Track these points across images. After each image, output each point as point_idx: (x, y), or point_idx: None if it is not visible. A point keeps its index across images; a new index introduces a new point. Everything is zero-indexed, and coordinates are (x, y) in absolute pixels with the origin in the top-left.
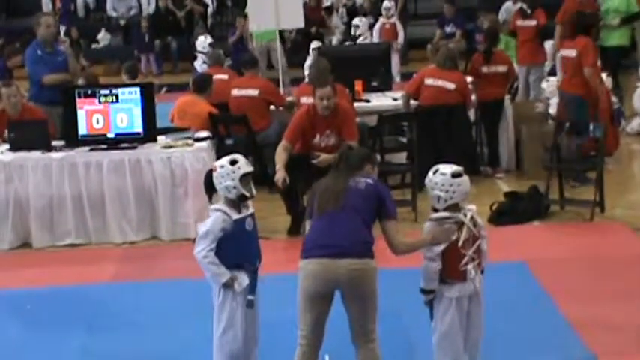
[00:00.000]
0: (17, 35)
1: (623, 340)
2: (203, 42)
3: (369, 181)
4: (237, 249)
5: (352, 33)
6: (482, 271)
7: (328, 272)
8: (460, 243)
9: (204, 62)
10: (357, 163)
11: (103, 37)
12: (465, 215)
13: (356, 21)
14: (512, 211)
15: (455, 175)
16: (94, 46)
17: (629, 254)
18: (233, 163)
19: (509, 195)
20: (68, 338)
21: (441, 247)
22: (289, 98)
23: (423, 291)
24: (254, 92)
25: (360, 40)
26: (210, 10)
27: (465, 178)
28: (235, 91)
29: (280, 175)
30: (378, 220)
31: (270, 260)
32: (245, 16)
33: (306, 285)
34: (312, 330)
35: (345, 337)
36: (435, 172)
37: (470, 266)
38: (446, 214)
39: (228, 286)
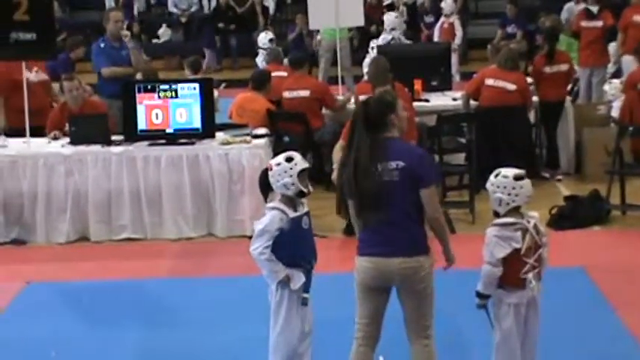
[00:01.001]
0: (80, 28)
1: None
2: (264, 38)
3: (401, 163)
4: (293, 247)
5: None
6: (540, 279)
7: (381, 270)
8: (523, 251)
9: (264, 60)
10: (379, 118)
11: (164, 33)
12: (529, 222)
13: (372, 43)
14: (573, 216)
15: (517, 178)
16: (154, 41)
17: None
18: (289, 160)
19: (569, 199)
20: (123, 333)
21: (503, 253)
22: (340, 97)
23: (479, 295)
24: (305, 93)
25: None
26: (271, 6)
27: (527, 181)
28: (287, 93)
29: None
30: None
31: (326, 259)
32: (305, 13)
33: (361, 278)
34: (368, 323)
35: (402, 339)
36: (496, 175)
37: (530, 275)
38: (510, 219)
39: (284, 283)
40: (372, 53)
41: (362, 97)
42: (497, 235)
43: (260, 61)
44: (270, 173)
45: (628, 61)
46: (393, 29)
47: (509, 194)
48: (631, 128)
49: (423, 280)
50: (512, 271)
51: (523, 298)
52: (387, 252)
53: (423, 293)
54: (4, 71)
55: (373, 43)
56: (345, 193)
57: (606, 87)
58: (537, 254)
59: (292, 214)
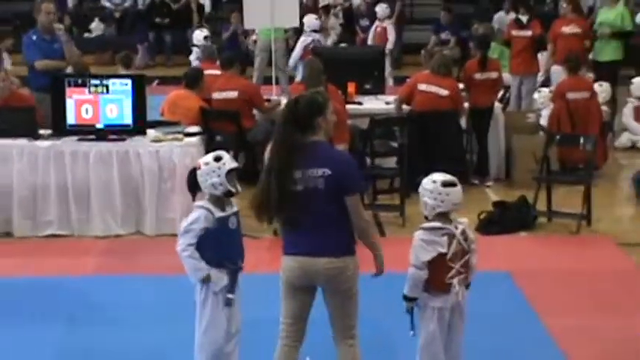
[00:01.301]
0: (9, 20)
1: (606, 354)
2: (199, 35)
3: (327, 171)
4: (218, 247)
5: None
6: (467, 286)
7: (306, 270)
8: (449, 256)
9: (198, 57)
10: (307, 120)
11: (96, 27)
12: (457, 227)
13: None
14: (500, 221)
15: (445, 184)
16: (86, 35)
17: (613, 268)
18: (218, 159)
19: (497, 204)
20: (47, 331)
21: (428, 256)
22: (274, 98)
23: (406, 298)
24: (234, 94)
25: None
26: (206, 3)
27: (456, 189)
28: (216, 94)
29: None
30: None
31: (255, 259)
32: (241, 12)
33: (287, 277)
34: (292, 323)
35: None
36: (427, 179)
37: (455, 280)
38: (438, 224)
39: (205, 282)
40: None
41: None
42: (423, 239)
43: (194, 58)
44: (198, 172)
45: (557, 71)
46: (313, 31)
47: (435, 199)
48: (558, 137)
49: (348, 280)
50: (438, 276)
51: (447, 302)
52: (313, 252)
53: (347, 293)
54: None
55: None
56: (260, 195)
57: (536, 95)
58: (464, 260)
59: (219, 214)
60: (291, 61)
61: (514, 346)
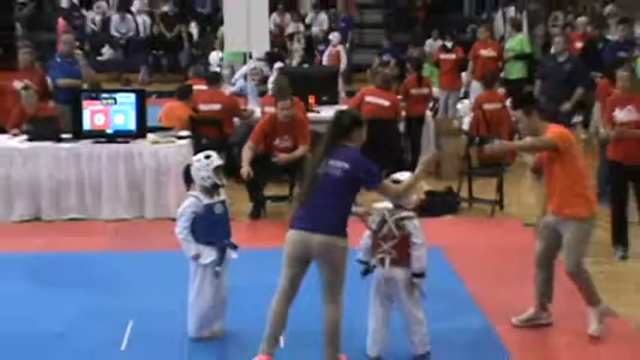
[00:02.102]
0: (38, 46)
1: (514, 313)
2: (215, 57)
3: (346, 166)
4: (207, 228)
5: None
6: (420, 275)
7: (304, 242)
8: (379, 235)
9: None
10: (347, 130)
11: (107, 52)
12: (392, 216)
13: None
14: (431, 207)
15: (394, 182)
16: (98, 58)
17: (520, 243)
18: (207, 157)
19: (428, 193)
20: (68, 295)
21: (369, 230)
22: (249, 108)
23: (360, 261)
24: (217, 107)
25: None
26: (194, 32)
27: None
28: (202, 106)
29: (245, 170)
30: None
31: (235, 239)
32: (217, 38)
33: (288, 249)
34: (289, 285)
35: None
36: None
37: (386, 258)
38: (379, 207)
39: (195, 259)
40: (274, 73)
41: (267, 108)
42: (373, 216)
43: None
44: (191, 168)
45: (476, 86)
46: (257, 59)
47: None
48: (477, 139)
49: (337, 256)
50: (373, 249)
51: (379, 274)
52: (311, 227)
53: (335, 267)
54: None
55: (276, 65)
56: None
57: (459, 106)
58: (393, 243)
59: (206, 201)
60: (236, 76)
61: (443, 307)
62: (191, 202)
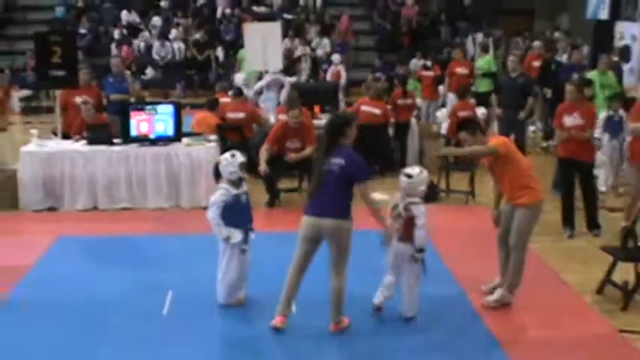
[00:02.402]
0: (95, 68)
1: (484, 282)
2: (239, 77)
3: (342, 162)
4: (234, 214)
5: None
6: (420, 250)
7: (316, 225)
8: (393, 215)
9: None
10: (340, 129)
11: (150, 72)
12: (403, 201)
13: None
14: None
15: (406, 175)
16: (143, 77)
17: (489, 227)
18: (233, 155)
19: None
20: (121, 271)
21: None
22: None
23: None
24: (242, 115)
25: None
26: (220, 55)
27: (412, 179)
28: (230, 114)
29: (263, 167)
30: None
31: (255, 224)
32: (237, 60)
33: (302, 230)
34: (303, 258)
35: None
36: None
37: (396, 234)
38: (395, 196)
39: (225, 240)
40: (287, 88)
41: (280, 116)
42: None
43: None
44: (220, 165)
45: (451, 98)
46: (274, 72)
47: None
48: (453, 141)
49: (343, 236)
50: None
51: (393, 248)
52: (321, 214)
53: (342, 245)
54: (64, 95)
55: (288, 80)
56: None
57: (438, 114)
58: (400, 222)
59: (234, 192)
60: (257, 86)
61: (426, 278)
62: (222, 192)
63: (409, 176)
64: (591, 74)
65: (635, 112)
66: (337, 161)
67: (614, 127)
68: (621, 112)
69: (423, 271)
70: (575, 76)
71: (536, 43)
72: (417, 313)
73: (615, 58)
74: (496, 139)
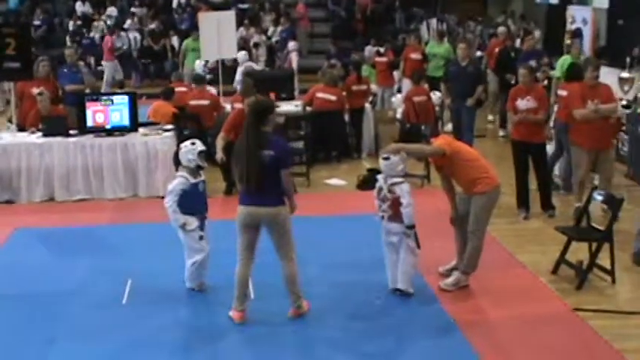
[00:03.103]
0: (50, 60)
1: (441, 264)
2: (198, 65)
3: (272, 153)
4: (191, 202)
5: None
6: (410, 226)
7: (253, 215)
8: (379, 197)
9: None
10: (263, 115)
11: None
12: (386, 182)
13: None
14: (371, 181)
15: (383, 158)
16: (99, 67)
17: (445, 209)
18: (193, 143)
19: (370, 170)
20: (80, 259)
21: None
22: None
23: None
24: (205, 102)
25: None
26: (176, 44)
27: (390, 161)
28: (193, 102)
29: (219, 155)
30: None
31: (212, 211)
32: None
33: (240, 219)
34: (245, 250)
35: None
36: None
37: (385, 215)
38: (379, 177)
39: (182, 227)
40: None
41: (236, 104)
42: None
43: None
44: (180, 152)
45: (406, 83)
46: (244, 61)
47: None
48: (408, 125)
49: (281, 221)
50: (378, 208)
51: (383, 228)
52: (258, 203)
53: (282, 230)
54: (20, 86)
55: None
56: (235, 164)
57: (393, 99)
58: (387, 204)
59: (192, 180)
60: (235, 82)
61: (381, 265)
62: (180, 181)
63: (386, 158)
64: (564, 59)
65: (575, 96)
66: (267, 152)
67: None
68: None
69: (417, 246)
70: (533, 62)
71: (501, 29)
72: (413, 291)
73: (568, 42)
74: (439, 140)
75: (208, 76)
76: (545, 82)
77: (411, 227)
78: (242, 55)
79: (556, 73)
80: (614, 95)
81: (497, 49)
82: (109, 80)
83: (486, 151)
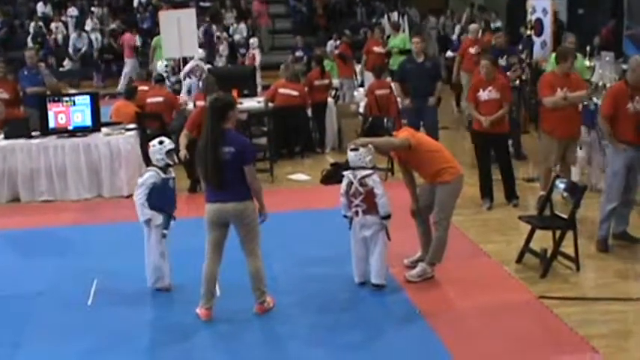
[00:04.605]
0: (10, 62)
1: (406, 255)
2: (161, 65)
3: (232, 149)
4: (160, 198)
5: None
6: (385, 216)
7: (220, 211)
8: (350, 193)
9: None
10: (223, 112)
11: (67, 63)
12: (355, 177)
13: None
14: (335, 174)
15: (352, 149)
16: (60, 69)
17: (405, 201)
18: (161, 142)
19: (333, 164)
20: (45, 260)
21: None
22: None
23: (344, 216)
24: (160, 99)
25: None
26: (138, 43)
27: (357, 152)
28: (149, 100)
29: (183, 153)
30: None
31: (177, 209)
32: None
33: (208, 217)
34: (213, 248)
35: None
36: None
37: (359, 210)
38: (347, 173)
39: (147, 221)
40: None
41: (198, 102)
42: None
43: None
44: (149, 150)
45: (368, 76)
46: (199, 58)
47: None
48: (370, 118)
49: (248, 216)
50: (348, 204)
51: (356, 223)
52: (224, 200)
53: (249, 226)
54: None
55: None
56: (198, 163)
57: (355, 93)
58: (360, 198)
59: (163, 176)
60: (182, 74)
61: (346, 258)
62: (151, 174)
63: (354, 149)
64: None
65: (545, 84)
66: (227, 149)
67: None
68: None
69: (388, 237)
70: (502, 61)
71: (473, 26)
72: (386, 283)
73: (528, 32)
74: (403, 132)
75: (173, 78)
76: (517, 82)
77: (387, 217)
78: (200, 53)
79: (548, 67)
80: (584, 83)
81: (472, 49)
82: (129, 77)
83: (449, 142)
